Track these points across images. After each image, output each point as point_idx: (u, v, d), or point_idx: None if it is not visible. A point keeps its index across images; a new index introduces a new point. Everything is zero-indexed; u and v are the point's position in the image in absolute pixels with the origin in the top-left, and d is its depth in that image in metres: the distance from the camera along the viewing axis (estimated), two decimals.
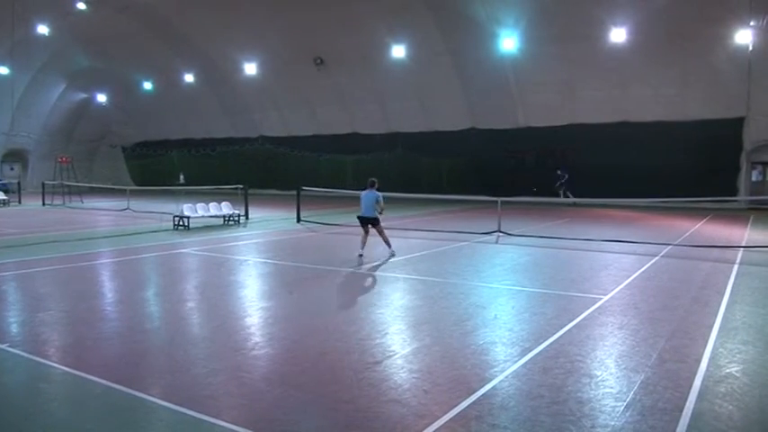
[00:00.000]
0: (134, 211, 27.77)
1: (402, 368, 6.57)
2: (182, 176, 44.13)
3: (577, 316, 8.74)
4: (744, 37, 28.31)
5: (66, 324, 8.62)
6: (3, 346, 7.17)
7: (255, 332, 8.16)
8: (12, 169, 46.01)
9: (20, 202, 33.15)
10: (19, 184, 36.66)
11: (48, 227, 21.45)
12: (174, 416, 5.40)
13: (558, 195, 32.18)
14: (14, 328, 8.24)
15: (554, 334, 7.77)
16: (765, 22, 27.54)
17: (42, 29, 38.44)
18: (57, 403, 5.82)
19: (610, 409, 5.39)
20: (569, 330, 7.99)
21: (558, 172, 32.81)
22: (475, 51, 34.06)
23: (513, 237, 17.79)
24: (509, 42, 32.56)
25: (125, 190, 32.23)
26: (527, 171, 35.45)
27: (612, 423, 5.10)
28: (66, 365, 6.61)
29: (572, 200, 30.59)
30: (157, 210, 26.08)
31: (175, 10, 37.79)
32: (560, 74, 32.91)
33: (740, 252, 15.23)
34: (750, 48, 28.40)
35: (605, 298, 9.97)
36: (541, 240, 17.14)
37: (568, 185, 32.35)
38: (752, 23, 27.67)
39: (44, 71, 42.81)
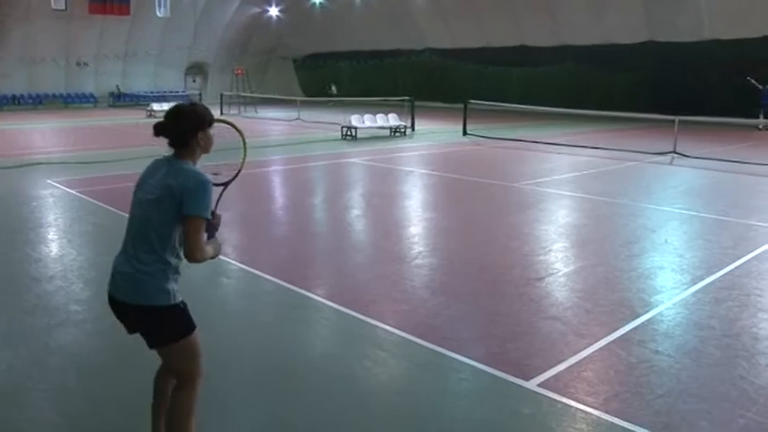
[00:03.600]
0: (304, 120, 28.89)
1: (564, 286, 6.52)
2: (333, 87, 44.92)
3: (758, 247, 8.12)
4: None
5: (241, 225, 9.32)
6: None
7: (419, 242, 8.38)
8: (194, 81, 49.14)
9: None
10: (200, 95, 39.13)
11: (224, 135, 22.84)
12: (339, 316, 5.75)
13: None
14: None
15: (730, 264, 7.30)
16: None
17: None
18: (235, 296, 6.41)
19: None
20: (748, 261, 7.47)
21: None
22: None
23: (689, 158, 16.66)
24: None
25: (296, 101, 33.48)
26: (710, 90, 32.58)
27: None
28: (242, 263, 7.18)
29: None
30: (326, 120, 26.93)
31: None
32: None
33: None
34: None
35: None
36: (722, 164, 15.91)
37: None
38: None
39: None
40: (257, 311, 5.94)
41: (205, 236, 3.09)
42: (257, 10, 49.56)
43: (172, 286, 3.08)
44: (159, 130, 3.11)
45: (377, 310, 5.80)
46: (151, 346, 3.19)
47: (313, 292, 6.28)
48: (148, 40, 42.85)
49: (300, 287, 6.40)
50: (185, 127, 3.12)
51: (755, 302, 6.12)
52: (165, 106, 33.79)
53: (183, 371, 3.23)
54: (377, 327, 5.43)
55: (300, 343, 5.25)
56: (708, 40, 32.71)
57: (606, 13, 35.35)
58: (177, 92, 44.34)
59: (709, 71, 32.22)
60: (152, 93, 42.88)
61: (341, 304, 5.94)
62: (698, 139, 20.59)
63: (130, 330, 3.23)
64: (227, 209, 10.24)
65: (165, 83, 45.87)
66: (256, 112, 35.29)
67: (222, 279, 6.75)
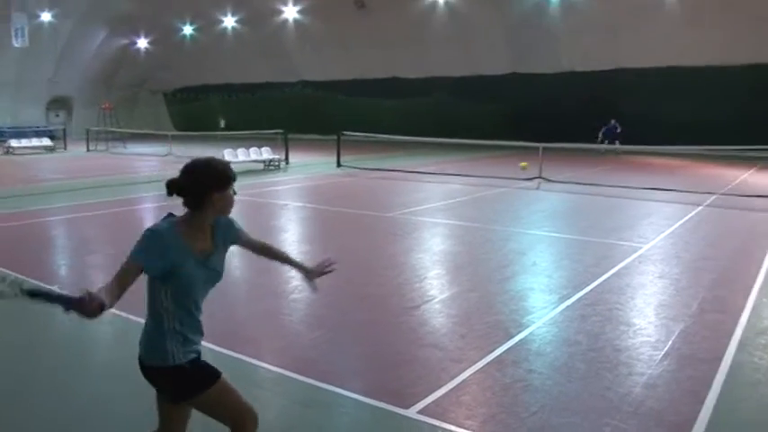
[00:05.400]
0: (176, 156, 28.06)
1: (440, 312, 6.64)
2: (222, 122, 44.47)
3: (617, 264, 8.67)
4: None
5: (112, 267, 8.85)
6: (54, 288, 7.42)
7: (295, 276, 8.27)
8: (57, 116, 46.71)
9: (65, 148, 33.76)
10: (64, 130, 37.23)
11: (92, 172, 21.88)
12: (214, 356, 5.54)
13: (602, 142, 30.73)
14: (63, 271, 8.52)
15: (593, 281, 7.74)
16: None
17: None
18: (104, 344, 6.05)
19: (647, 358, 5.39)
20: (608, 278, 7.95)
21: (613, 122, 31.12)
22: None
23: (554, 183, 17.60)
24: None
25: (167, 135, 32.55)
26: (568, 117, 34.67)
27: (649, 371, 5.10)
28: (114, 308, 6.80)
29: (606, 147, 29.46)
30: (199, 154, 26.29)
31: None
32: (606, 15, 31.80)
33: None
34: None
35: (646, 246, 9.86)
36: (583, 187, 16.92)
37: (614, 136, 30.86)
38: None
39: (86, 17, 42.91)
40: (132, 357, 5.63)
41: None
42: (125, 42, 48.02)
43: (171, 346, 2.97)
44: (171, 189, 2.95)
45: (254, 348, 5.67)
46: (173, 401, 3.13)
47: None
48: (3, 71, 40.30)
49: None
50: (198, 187, 2.92)
51: (617, 316, 6.49)
52: (24, 142, 32.06)
53: (222, 420, 3.12)
54: (255, 365, 5.30)
55: None
56: (566, 71, 34.91)
57: (472, 46, 37.00)
58: (38, 127, 41.86)
59: (568, 100, 34.32)
60: (10, 128, 40.14)
61: (216, 343, 5.72)
62: (561, 165, 21.79)
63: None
64: (95, 251, 9.76)
65: (24, 118, 43.16)
66: (125, 147, 34.00)
67: (91, 325, 6.37)
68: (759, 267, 8.56)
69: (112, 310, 6.48)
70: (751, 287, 7.56)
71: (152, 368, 3.02)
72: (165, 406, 3.18)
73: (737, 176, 20.79)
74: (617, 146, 28.62)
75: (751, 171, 22.71)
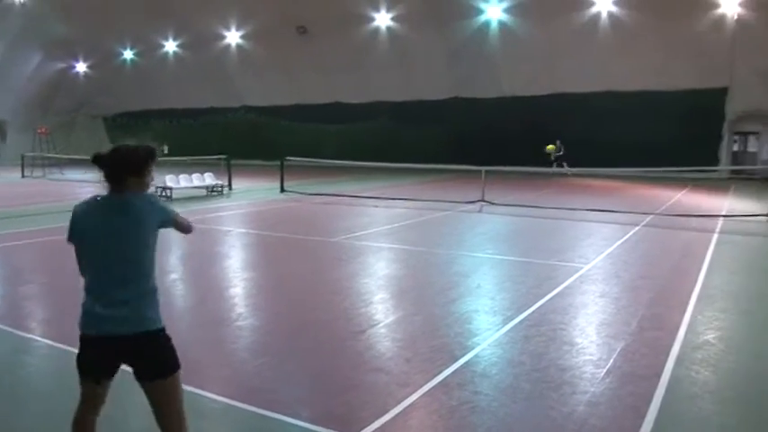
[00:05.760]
0: None
1: (385, 337, 6.62)
2: (165, 147, 43.82)
3: (559, 284, 8.82)
4: (729, 6, 28.36)
5: (47, 297, 8.59)
6: None
7: (239, 303, 8.18)
8: None
9: None
10: None
11: (28, 199, 21.21)
12: None
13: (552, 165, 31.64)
14: None
15: (536, 302, 7.85)
16: None
17: None
18: (40, 376, 5.82)
19: (590, 376, 5.48)
20: (551, 299, 8.07)
21: (557, 143, 32.08)
22: (459, 18, 33.91)
23: (496, 206, 17.86)
24: (494, 10, 32.59)
25: None
26: (510, 141, 35.40)
27: (592, 389, 5.18)
28: (49, 338, 6.58)
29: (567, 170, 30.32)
30: None
31: None
32: (545, 42, 32.78)
33: (720, 221, 15.40)
34: (735, 17, 28.42)
35: (587, 267, 10.07)
36: (525, 210, 17.22)
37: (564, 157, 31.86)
38: None
39: (19, 40, 41.90)
40: (67, 390, 5.42)
41: None
42: (63, 65, 47.00)
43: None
44: (96, 161, 3.39)
45: (198, 377, 5.51)
46: (151, 378, 3.22)
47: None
48: None
49: None
50: (119, 169, 3.43)
51: (560, 336, 6.59)
52: None
53: (177, 410, 3.27)
54: (199, 395, 5.17)
55: (116, 420, 4.85)
56: (507, 96, 35.66)
57: (414, 72, 37.48)
58: None
59: (510, 124, 35.01)
60: None
61: None
62: (503, 188, 22.15)
63: (109, 373, 3.33)
64: (29, 281, 9.42)
65: None
66: (62, 173, 33.08)
67: (25, 358, 6.13)
68: (694, 284, 8.84)
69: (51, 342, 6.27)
70: (687, 304, 7.79)
71: (156, 332, 3.24)
72: (93, 387, 3.40)
73: (672, 197, 21.49)
74: (566, 168, 29.40)
75: (684, 191, 23.51)
